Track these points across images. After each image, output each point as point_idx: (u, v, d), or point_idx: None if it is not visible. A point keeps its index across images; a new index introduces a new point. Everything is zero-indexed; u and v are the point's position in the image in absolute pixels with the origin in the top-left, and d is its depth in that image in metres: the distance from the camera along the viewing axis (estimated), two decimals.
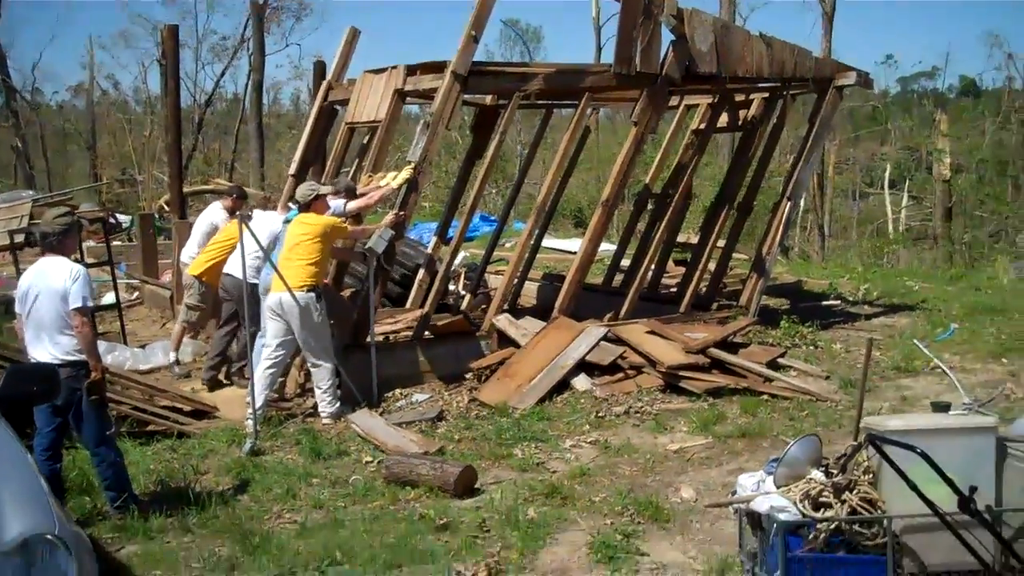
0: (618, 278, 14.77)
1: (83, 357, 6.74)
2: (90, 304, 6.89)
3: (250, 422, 8.93)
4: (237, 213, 10.78)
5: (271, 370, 9.44)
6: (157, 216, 22.72)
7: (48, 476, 6.45)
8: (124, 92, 44.08)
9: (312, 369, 9.63)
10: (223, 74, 41.21)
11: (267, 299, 9.46)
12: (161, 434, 8.96)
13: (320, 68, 15.04)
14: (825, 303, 15.44)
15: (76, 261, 8.51)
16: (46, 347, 6.76)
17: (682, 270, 14.86)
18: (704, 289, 13.58)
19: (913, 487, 4.70)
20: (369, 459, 8.36)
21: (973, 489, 4.64)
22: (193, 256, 11.53)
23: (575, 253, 14.36)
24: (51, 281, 6.76)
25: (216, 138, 44.66)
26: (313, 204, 9.73)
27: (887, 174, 38.95)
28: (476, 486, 7.65)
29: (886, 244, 25.08)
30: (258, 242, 9.44)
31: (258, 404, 9.05)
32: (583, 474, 7.97)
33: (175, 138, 16.04)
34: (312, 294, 9.29)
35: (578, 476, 7.91)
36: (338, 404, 9.54)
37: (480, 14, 10.58)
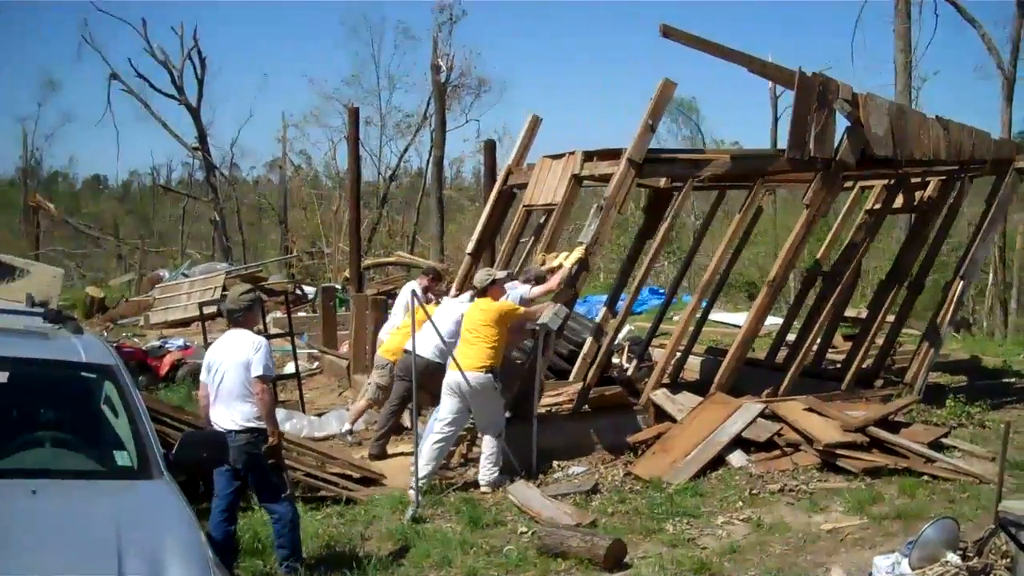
0: (782, 353, 14.71)
1: (262, 424, 7.26)
2: (271, 373, 7.46)
3: (412, 491, 9.35)
4: (427, 294, 11.47)
5: (440, 444, 9.92)
6: (340, 288, 23.73)
7: (223, 537, 6.98)
8: (315, 167, 46.08)
9: (483, 437, 10.09)
10: (406, 150, 42.78)
11: (447, 378, 9.98)
12: (331, 499, 9.46)
13: (491, 147, 15.66)
14: (1000, 381, 14.98)
15: (259, 332, 9.20)
16: (229, 414, 7.29)
17: (849, 345, 14.70)
18: (869, 365, 13.41)
19: None
20: (524, 530, 8.61)
21: None
22: (392, 330, 12.22)
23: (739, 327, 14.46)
24: (236, 353, 7.35)
25: (400, 211, 46.19)
26: (489, 290, 10.25)
27: None
28: (626, 560, 7.79)
29: None
30: (436, 329, 10.19)
31: (423, 474, 9.52)
32: (733, 551, 8.03)
33: (354, 216, 16.89)
34: (490, 375, 9.78)
35: (728, 553, 7.98)
36: (497, 474, 9.89)
37: (658, 104, 11.04)
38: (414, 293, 10.27)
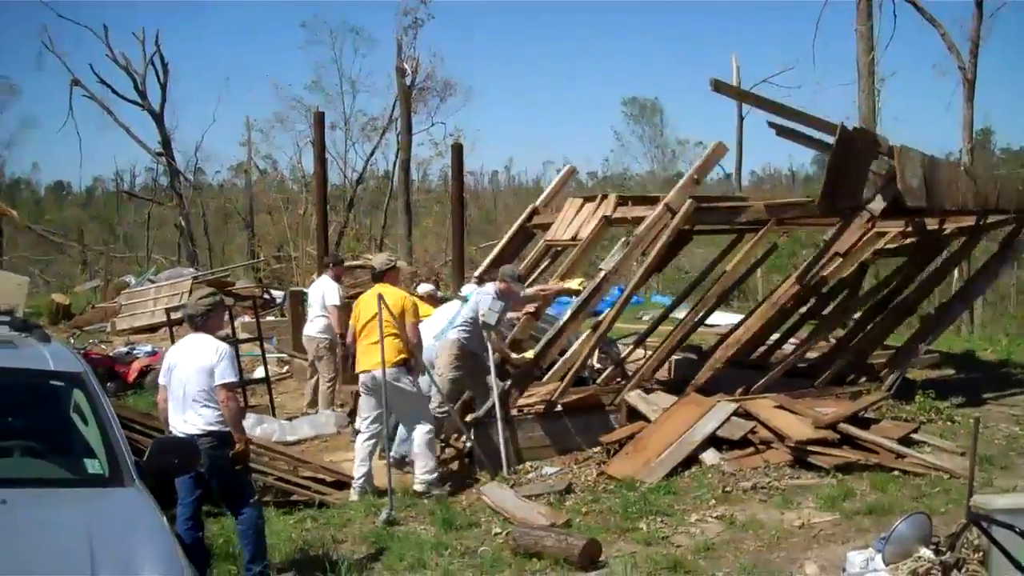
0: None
1: (225, 428, 7.19)
2: (235, 380, 7.40)
3: (355, 492, 9.34)
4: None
5: (369, 443, 9.82)
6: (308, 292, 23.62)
7: (191, 543, 6.92)
8: (281, 171, 45.85)
9: (411, 436, 9.90)
10: (372, 154, 42.66)
11: (361, 377, 9.89)
12: (304, 503, 9.43)
13: (458, 150, 15.65)
14: (966, 376, 15.12)
15: (227, 337, 9.11)
16: (189, 418, 7.22)
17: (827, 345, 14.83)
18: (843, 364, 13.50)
19: (1018, 566, 4.74)
20: (498, 530, 8.61)
21: None
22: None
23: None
24: (197, 358, 7.26)
25: (368, 214, 46.06)
26: (387, 275, 10.08)
27: None
28: (600, 559, 7.80)
29: None
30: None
31: (358, 474, 9.63)
32: (707, 549, 8.05)
33: (321, 220, 16.84)
34: (403, 368, 9.65)
35: (702, 551, 8.01)
36: (431, 475, 9.68)
37: (707, 163, 11.92)
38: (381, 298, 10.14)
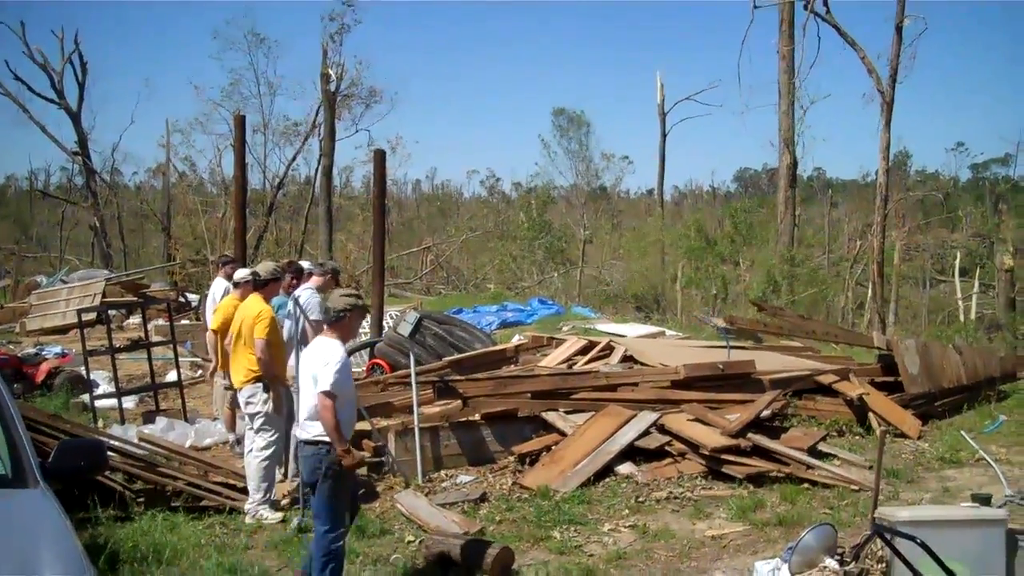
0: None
1: (326, 437, 6.86)
2: (329, 389, 6.83)
3: (259, 506, 9.17)
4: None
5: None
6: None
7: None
8: (200, 174, 45.06)
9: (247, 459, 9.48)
10: (294, 159, 42.15)
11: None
12: (214, 509, 9.28)
13: (380, 156, 15.56)
14: None
15: (140, 340, 8.79)
16: (304, 424, 7.04)
17: None
18: None
19: None
20: (411, 538, 8.57)
21: None
22: None
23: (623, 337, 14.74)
24: (312, 363, 6.95)
25: (288, 219, 45.58)
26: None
27: (957, 262, 38.72)
28: (513, 567, 7.80)
29: (946, 333, 24.89)
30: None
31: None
32: (619, 558, 8.13)
33: (240, 224, 16.61)
34: (257, 385, 9.36)
35: (614, 560, 8.08)
36: (264, 507, 9.18)
37: None
38: (296, 303, 10.04)
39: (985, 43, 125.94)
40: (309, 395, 6.92)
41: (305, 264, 11.58)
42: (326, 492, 6.85)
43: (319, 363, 6.84)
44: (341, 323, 7.03)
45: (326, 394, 6.74)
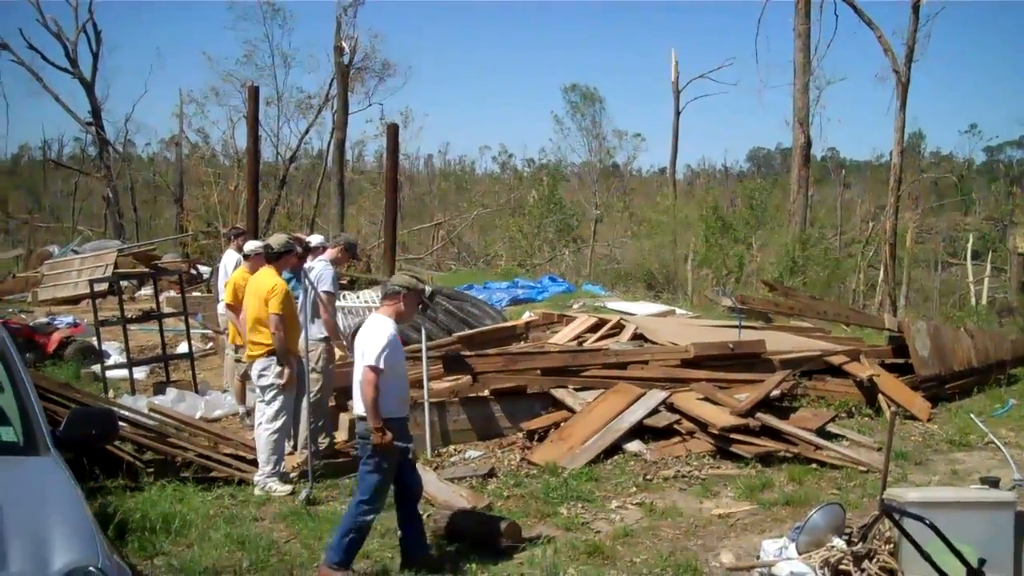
0: None
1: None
2: (374, 363, 6.91)
3: (268, 478, 9.20)
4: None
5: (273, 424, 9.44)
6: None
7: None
8: (213, 146, 44.97)
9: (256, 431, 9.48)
10: (307, 132, 42.09)
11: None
12: (224, 480, 9.32)
13: (394, 130, 15.54)
14: None
15: (152, 311, 8.74)
16: (356, 399, 7.12)
17: None
18: None
19: (926, 557, 4.84)
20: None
21: (982, 561, 4.76)
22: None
23: (634, 315, 14.69)
24: (362, 340, 7.07)
25: (300, 193, 45.56)
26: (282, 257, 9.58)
27: (969, 245, 38.57)
28: (520, 543, 7.82)
29: (957, 316, 24.82)
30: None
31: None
32: (626, 535, 8.14)
33: (252, 197, 16.63)
34: (271, 359, 9.29)
35: (621, 537, 8.09)
36: (269, 479, 9.19)
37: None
38: (305, 276, 9.99)
39: (1000, 25, 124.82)
40: (359, 371, 7.01)
41: (317, 238, 11.52)
42: (369, 467, 7.01)
43: (367, 338, 6.94)
44: (394, 300, 7.11)
45: (371, 368, 6.84)
